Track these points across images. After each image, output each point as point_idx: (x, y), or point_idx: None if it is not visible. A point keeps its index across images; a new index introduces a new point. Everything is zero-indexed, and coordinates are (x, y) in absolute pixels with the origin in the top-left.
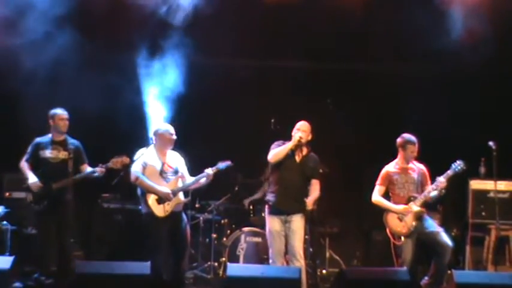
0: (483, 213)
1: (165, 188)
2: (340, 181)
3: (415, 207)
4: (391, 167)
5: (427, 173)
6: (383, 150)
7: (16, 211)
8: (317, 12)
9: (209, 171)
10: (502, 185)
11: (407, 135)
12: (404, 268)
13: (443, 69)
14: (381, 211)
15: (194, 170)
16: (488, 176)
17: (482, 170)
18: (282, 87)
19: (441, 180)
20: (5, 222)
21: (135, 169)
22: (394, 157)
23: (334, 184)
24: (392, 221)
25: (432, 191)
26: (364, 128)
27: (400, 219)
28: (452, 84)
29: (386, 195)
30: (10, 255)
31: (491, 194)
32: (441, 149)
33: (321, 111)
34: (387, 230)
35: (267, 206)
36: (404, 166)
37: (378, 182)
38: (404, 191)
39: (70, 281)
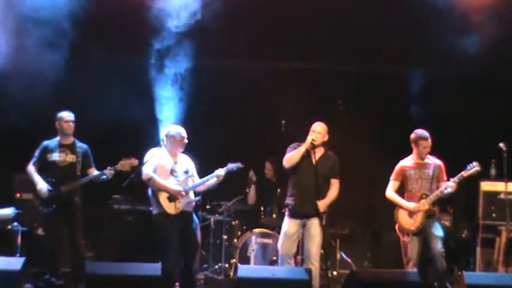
0: (494, 215)
1: (176, 186)
2: (351, 183)
3: (426, 205)
4: (406, 162)
5: (443, 168)
6: (394, 151)
7: (27, 212)
8: (328, 13)
9: (220, 172)
10: None
11: (420, 131)
12: (415, 269)
13: (454, 70)
14: (392, 211)
15: (205, 172)
16: (499, 178)
17: (492, 171)
18: (293, 89)
19: (455, 180)
20: (15, 223)
21: (147, 169)
22: (405, 157)
23: (345, 186)
24: (402, 217)
25: (444, 190)
26: (375, 130)
27: (411, 216)
28: (463, 85)
29: (401, 190)
30: (21, 256)
31: (502, 196)
32: (452, 150)
33: (332, 112)
34: (396, 226)
35: (287, 209)
36: (419, 162)
37: (392, 177)
38: (417, 187)
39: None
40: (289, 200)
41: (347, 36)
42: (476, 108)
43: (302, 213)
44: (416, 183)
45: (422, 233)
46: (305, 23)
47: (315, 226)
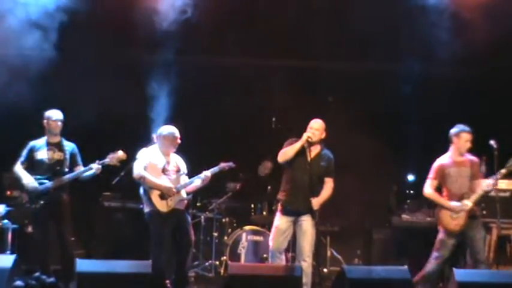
0: (484, 212)
1: (168, 183)
2: (341, 179)
3: (468, 204)
4: (444, 160)
5: (478, 165)
6: (384, 149)
7: (17, 210)
8: (319, 11)
9: (206, 173)
10: (503, 184)
11: (461, 125)
12: (405, 267)
13: (445, 69)
14: (382, 210)
15: (196, 170)
16: (489, 175)
17: (483, 168)
18: (284, 86)
19: (495, 178)
20: (6, 221)
21: (138, 167)
22: (396, 156)
23: (335, 182)
24: (445, 218)
25: (486, 188)
26: (366, 127)
27: (453, 217)
28: (453, 83)
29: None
30: (11, 253)
31: (492, 193)
32: (443, 147)
33: (323, 110)
34: (439, 227)
35: (279, 205)
36: (457, 159)
37: (430, 175)
38: (457, 186)
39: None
40: (281, 196)
41: (338, 33)
42: (466, 106)
43: (293, 209)
44: (456, 182)
45: (463, 235)
46: (296, 21)
47: (306, 223)
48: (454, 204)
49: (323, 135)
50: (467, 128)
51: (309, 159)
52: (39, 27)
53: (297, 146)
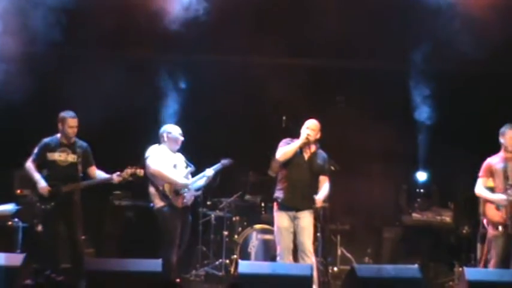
0: None
1: (183, 179)
2: (351, 178)
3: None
4: (493, 159)
5: None
6: (394, 148)
7: (27, 208)
8: (329, 10)
9: (209, 172)
10: None
11: (508, 124)
12: (415, 265)
13: (455, 67)
14: (392, 209)
15: (204, 168)
16: None
17: None
18: (294, 85)
19: None
20: (16, 219)
21: (154, 163)
22: (405, 155)
23: (345, 181)
24: (490, 210)
25: None
26: (375, 126)
27: (498, 209)
28: (461, 83)
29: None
30: (21, 252)
31: None
32: (452, 145)
33: (333, 109)
34: (484, 221)
35: (275, 203)
36: (507, 156)
37: (480, 173)
38: (503, 180)
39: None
40: (278, 194)
41: (348, 32)
42: (476, 105)
43: (291, 206)
44: (503, 177)
45: (507, 231)
46: (306, 19)
47: (305, 219)
48: (496, 196)
49: (318, 135)
50: (510, 124)
51: (306, 157)
52: (46, 20)
53: (297, 144)
